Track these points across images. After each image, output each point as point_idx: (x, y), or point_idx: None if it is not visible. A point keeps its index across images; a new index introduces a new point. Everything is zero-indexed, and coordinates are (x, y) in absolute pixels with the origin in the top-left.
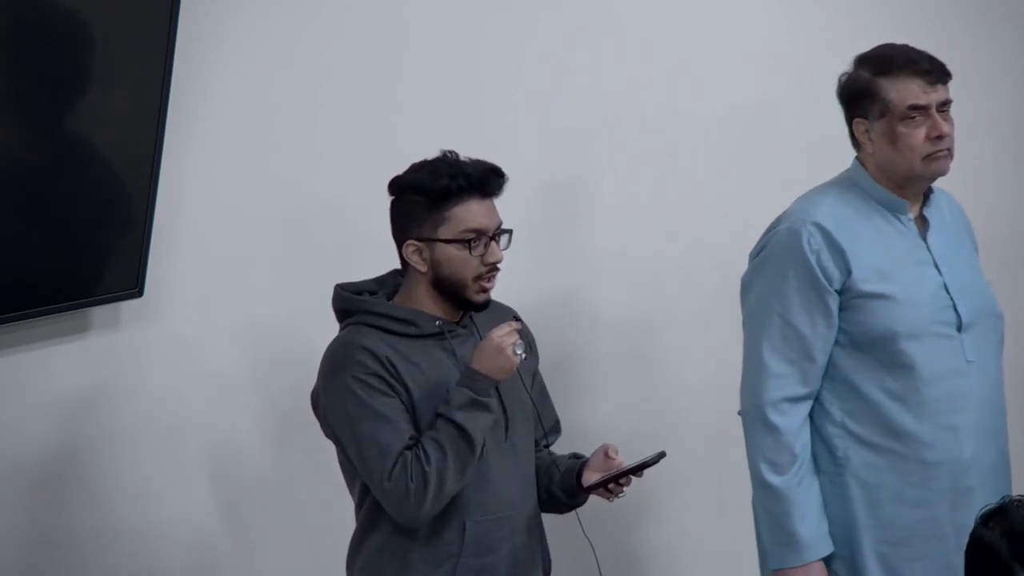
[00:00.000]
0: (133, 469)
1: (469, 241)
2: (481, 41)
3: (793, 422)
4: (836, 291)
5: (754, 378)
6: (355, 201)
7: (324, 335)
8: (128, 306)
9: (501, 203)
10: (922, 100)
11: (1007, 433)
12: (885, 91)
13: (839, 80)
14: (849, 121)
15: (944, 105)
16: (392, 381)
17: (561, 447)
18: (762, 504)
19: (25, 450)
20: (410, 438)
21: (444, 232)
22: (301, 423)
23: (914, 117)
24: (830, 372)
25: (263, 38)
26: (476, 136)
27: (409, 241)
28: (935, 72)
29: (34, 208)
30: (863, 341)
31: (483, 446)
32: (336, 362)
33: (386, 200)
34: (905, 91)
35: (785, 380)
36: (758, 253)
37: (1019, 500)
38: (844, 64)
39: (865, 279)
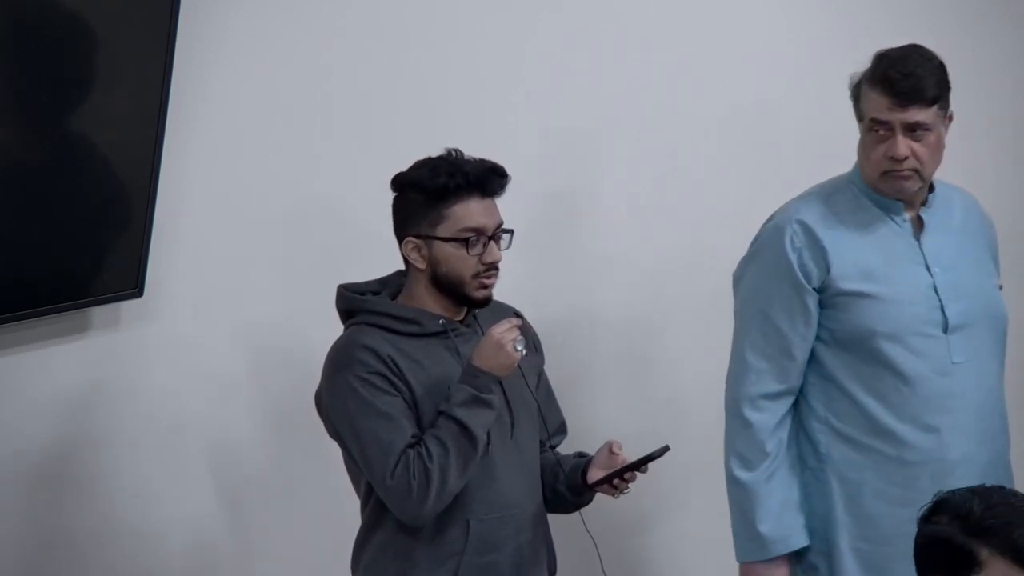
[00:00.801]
0: (133, 469)
1: (466, 240)
2: (481, 41)
3: (769, 419)
4: (815, 289)
5: (735, 373)
6: (355, 201)
7: (324, 335)
8: (128, 306)
9: (500, 203)
10: (884, 116)
11: (1007, 435)
12: (863, 97)
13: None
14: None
15: (915, 127)
16: (394, 380)
17: (564, 447)
18: (732, 498)
19: (25, 450)
20: (412, 436)
21: (442, 230)
22: (301, 423)
23: (878, 131)
24: (815, 369)
25: (263, 38)
26: (476, 136)
27: (408, 238)
28: (908, 94)
29: (34, 208)
30: (845, 339)
31: (488, 444)
32: (339, 361)
33: (386, 200)
34: (873, 103)
35: (763, 376)
36: (750, 247)
37: (950, 492)
38: (844, 64)
39: (846, 277)
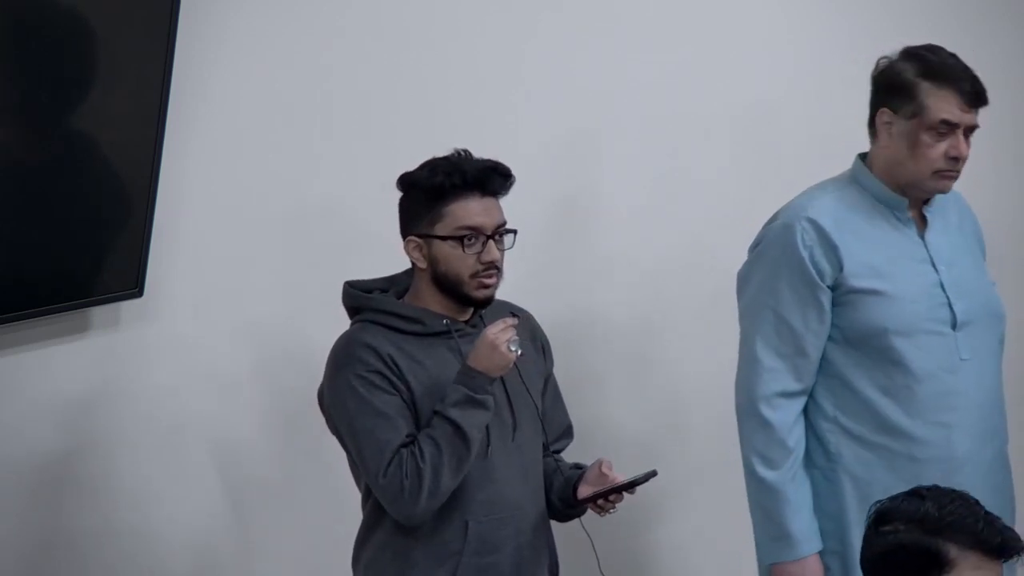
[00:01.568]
0: (133, 469)
1: (463, 239)
2: (481, 41)
3: (786, 417)
4: (828, 287)
5: (747, 373)
6: (355, 201)
7: (324, 334)
8: (128, 306)
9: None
10: (955, 118)
11: (1006, 433)
12: (924, 95)
13: (877, 63)
14: (874, 107)
15: (971, 130)
16: (393, 379)
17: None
18: (755, 499)
19: (25, 450)
20: (407, 436)
21: (440, 229)
22: (301, 422)
23: (942, 132)
24: (823, 367)
25: (263, 38)
26: (476, 136)
27: (410, 237)
28: (977, 96)
29: (34, 208)
30: (855, 337)
31: (489, 445)
32: (339, 359)
33: (386, 200)
34: (944, 104)
35: (778, 375)
36: (755, 247)
37: (889, 500)
38: (844, 64)
39: (857, 275)
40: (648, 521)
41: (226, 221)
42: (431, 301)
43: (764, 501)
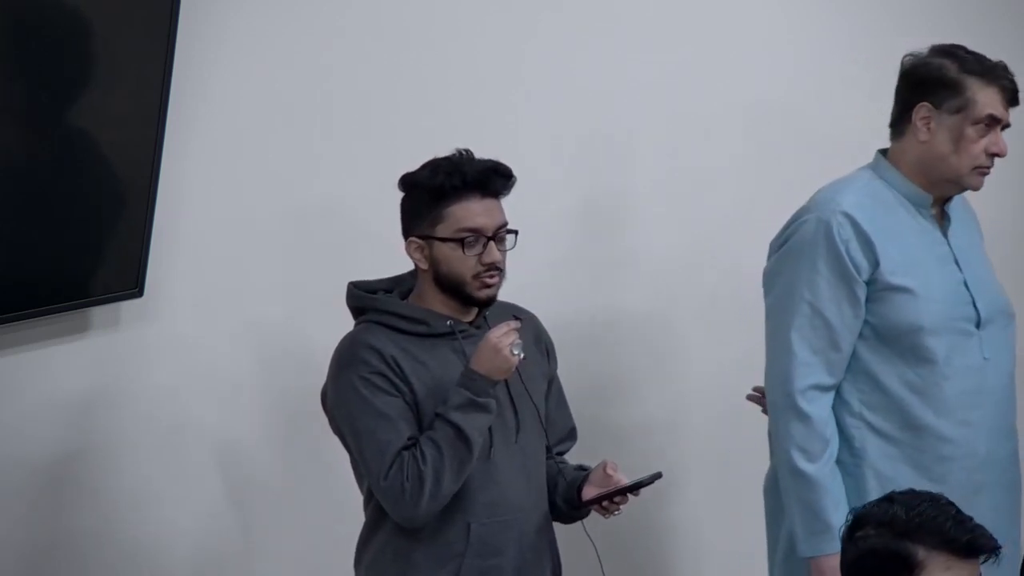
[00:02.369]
0: (133, 469)
1: (463, 240)
2: (481, 41)
3: (822, 410)
4: (865, 282)
5: (783, 366)
6: (355, 201)
7: (324, 335)
8: (128, 306)
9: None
10: (999, 115)
11: (1017, 431)
12: (973, 91)
13: (904, 61)
14: (908, 103)
15: (1004, 128)
16: (396, 380)
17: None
18: (794, 492)
19: (25, 450)
20: (409, 438)
21: (441, 230)
22: (302, 423)
23: (988, 127)
24: (851, 363)
25: (263, 38)
26: (476, 136)
27: (411, 238)
28: (1015, 96)
29: (34, 208)
30: (887, 334)
31: (491, 446)
32: (343, 360)
33: (386, 200)
34: (992, 100)
35: (812, 368)
36: (783, 243)
37: (863, 507)
38: (845, 64)
39: (892, 271)
40: (649, 524)
41: (226, 221)
42: (435, 302)
43: (804, 494)
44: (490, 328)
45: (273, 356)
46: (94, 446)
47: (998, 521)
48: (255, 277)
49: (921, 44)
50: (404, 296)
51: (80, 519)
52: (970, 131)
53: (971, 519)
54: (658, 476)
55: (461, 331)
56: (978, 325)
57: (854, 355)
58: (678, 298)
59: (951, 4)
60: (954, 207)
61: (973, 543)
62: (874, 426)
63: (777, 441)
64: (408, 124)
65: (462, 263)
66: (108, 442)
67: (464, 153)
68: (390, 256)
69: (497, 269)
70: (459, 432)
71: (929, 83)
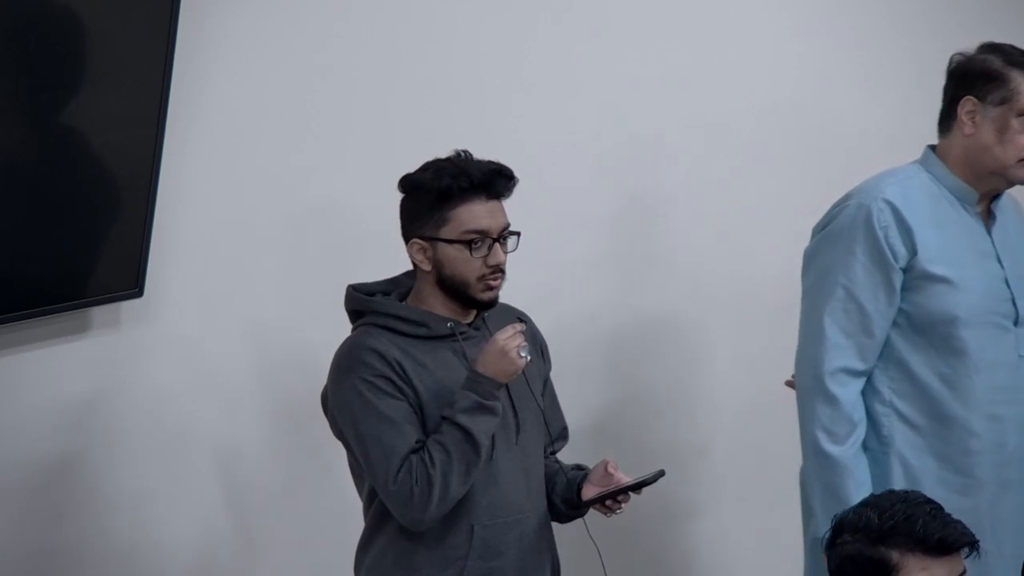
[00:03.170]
0: (133, 469)
1: (470, 242)
2: (483, 41)
3: (851, 393)
4: (901, 269)
5: (814, 348)
6: (356, 201)
7: (325, 335)
8: (128, 306)
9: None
10: None
11: None
12: (1016, 82)
13: (951, 59)
14: (954, 98)
15: None
16: (400, 383)
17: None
18: (816, 474)
19: (25, 450)
20: (416, 441)
21: (446, 232)
22: (303, 424)
23: None
24: (883, 351)
25: (263, 38)
26: (477, 136)
27: (414, 240)
28: None
29: (34, 208)
30: (921, 323)
31: (493, 449)
32: (345, 363)
33: (386, 200)
34: None
35: (843, 351)
36: (824, 227)
37: (844, 512)
38: (847, 64)
39: (930, 260)
40: (652, 526)
41: (226, 221)
42: (434, 303)
43: (828, 477)
44: (489, 329)
45: (273, 356)
46: (93, 446)
47: (1022, 520)
48: (255, 277)
49: (921, 44)
50: (402, 298)
51: (79, 519)
52: (1015, 122)
53: (945, 516)
54: (661, 474)
55: (461, 333)
56: (1016, 322)
57: (887, 343)
58: (682, 298)
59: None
60: (1002, 207)
61: (944, 541)
62: (903, 414)
63: (803, 423)
64: (408, 124)
65: (467, 265)
66: (107, 442)
67: (464, 154)
68: (393, 257)
69: (501, 271)
70: (467, 435)
71: (973, 77)
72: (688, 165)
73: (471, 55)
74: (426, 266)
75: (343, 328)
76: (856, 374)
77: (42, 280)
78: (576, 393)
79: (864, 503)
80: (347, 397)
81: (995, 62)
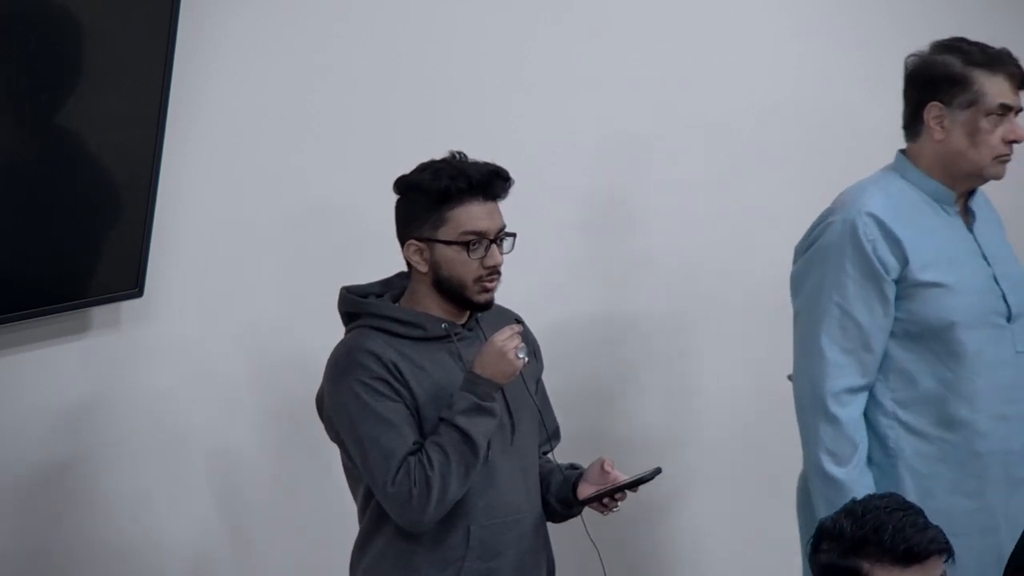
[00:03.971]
0: (133, 470)
1: (468, 243)
2: (483, 40)
3: (853, 413)
4: (894, 280)
5: (813, 369)
6: (355, 201)
7: (325, 336)
8: (128, 306)
9: (502, 205)
10: (1011, 102)
11: None
12: (980, 83)
13: (907, 62)
14: (919, 104)
15: (1018, 113)
16: (397, 385)
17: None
18: (822, 495)
19: (24, 450)
20: (414, 443)
21: (444, 233)
22: (302, 424)
23: (1001, 115)
24: (882, 363)
25: (263, 38)
26: (477, 136)
27: (410, 241)
28: (1023, 78)
29: (34, 208)
30: (918, 331)
31: (489, 448)
32: (341, 365)
33: (386, 201)
34: (1000, 88)
35: (844, 370)
36: (809, 246)
37: (824, 520)
38: (847, 64)
39: (922, 268)
40: (652, 524)
41: (226, 221)
42: (429, 304)
43: (833, 498)
44: (482, 330)
45: (273, 356)
46: (93, 446)
47: None
48: (255, 277)
49: (921, 44)
50: (396, 299)
51: (78, 518)
52: (984, 123)
53: (919, 522)
54: (658, 472)
55: (456, 334)
56: (1009, 319)
57: (886, 355)
58: (681, 298)
59: (951, 4)
60: (977, 202)
61: (911, 551)
62: (908, 424)
63: (806, 442)
64: (408, 124)
65: (465, 266)
66: (107, 442)
67: (459, 155)
68: (390, 257)
69: (497, 272)
70: (465, 436)
71: (936, 82)
72: (688, 165)
73: (471, 55)
74: (423, 267)
75: (343, 329)
76: (858, 391)
77: (42, 280)
78: (570, 393)
79: (843, 509)
80: (344, 399)
81: (955, 64)
